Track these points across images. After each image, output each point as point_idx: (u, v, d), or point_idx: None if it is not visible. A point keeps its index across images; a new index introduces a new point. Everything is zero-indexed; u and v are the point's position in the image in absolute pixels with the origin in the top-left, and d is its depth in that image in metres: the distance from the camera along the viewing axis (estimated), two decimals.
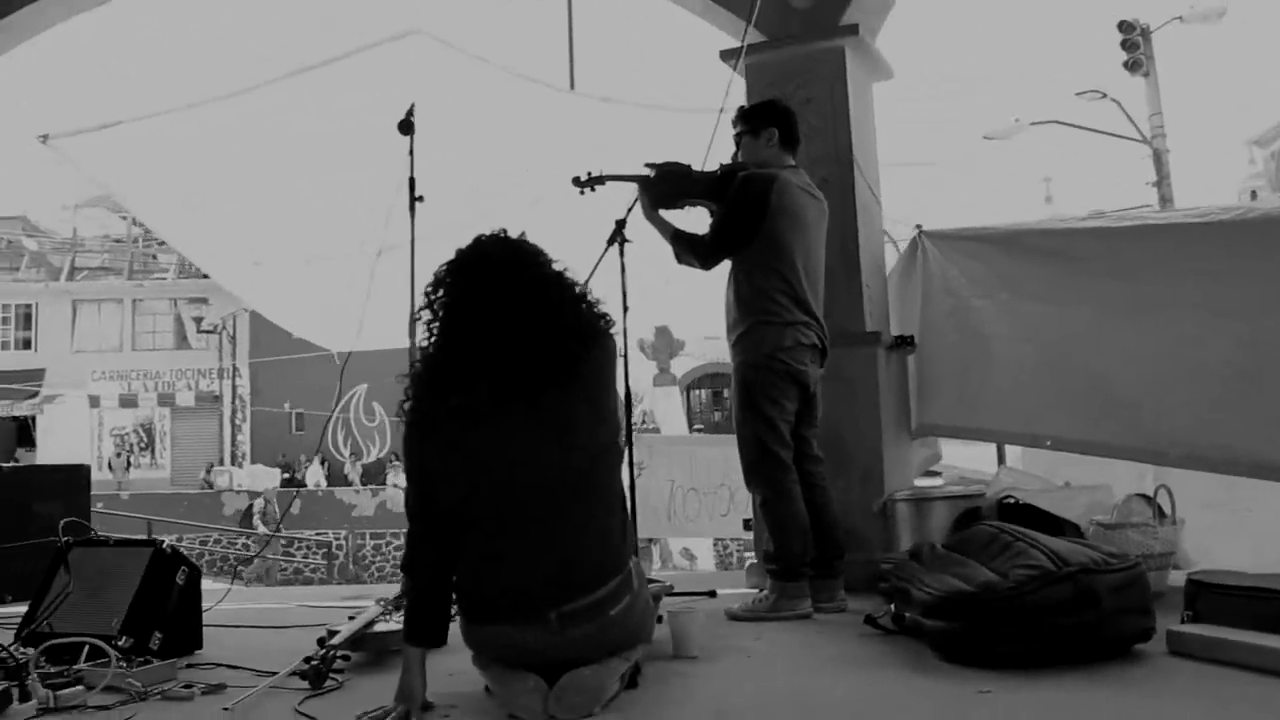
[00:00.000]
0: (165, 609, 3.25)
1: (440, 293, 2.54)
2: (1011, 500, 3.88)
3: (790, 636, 3.40)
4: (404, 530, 2.60)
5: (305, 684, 2.75)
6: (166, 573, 3.28)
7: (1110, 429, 3.92)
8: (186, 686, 2.76)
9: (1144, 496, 3.77)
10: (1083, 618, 2.72)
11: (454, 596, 2.54)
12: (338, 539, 15.98)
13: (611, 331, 2.60)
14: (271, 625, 3.87)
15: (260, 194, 5.99)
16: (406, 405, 2.55)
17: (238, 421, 25.88)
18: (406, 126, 3.83)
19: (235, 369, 25.43)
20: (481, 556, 2.47)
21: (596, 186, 3.91)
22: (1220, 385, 3.65)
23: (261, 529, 17.47)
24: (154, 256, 29.15)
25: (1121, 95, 14.33)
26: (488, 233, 2.58)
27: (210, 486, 22.38)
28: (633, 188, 4.00)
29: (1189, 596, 2.99)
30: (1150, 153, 13.83)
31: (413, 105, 3.85)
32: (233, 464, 24.84)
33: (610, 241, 4.15)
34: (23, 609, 4.43)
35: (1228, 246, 3.76)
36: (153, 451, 25.91)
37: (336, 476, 24.59)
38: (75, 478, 5.21)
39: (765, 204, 3.71)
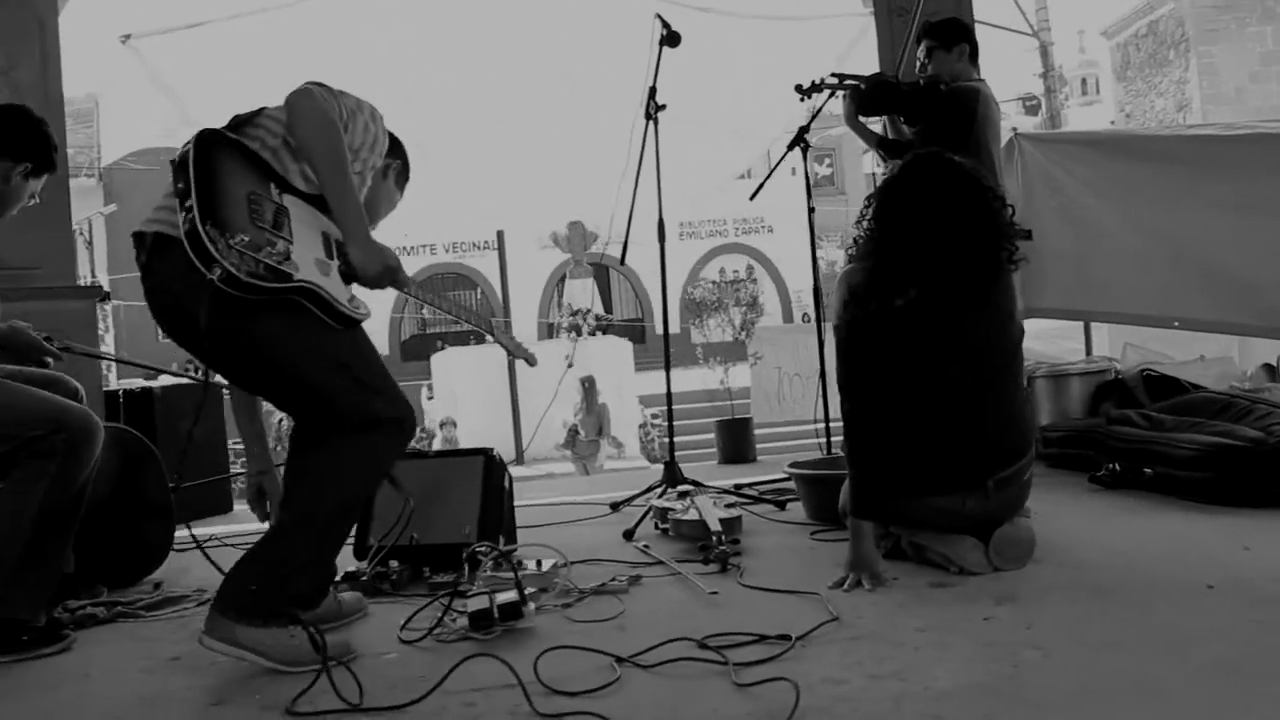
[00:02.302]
0: (502, 513, 3.44)
1: (881, 204, 2.84)
2: (1153, 373, 4.50)
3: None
4: None
5: (710, 568, 3.06)
6: (498, 478, 3.45)
7: (1235, 310, 4.57)
8: (614, 580, 2.99)
9: (1268, 366, 4.46)
10: None
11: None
12: None
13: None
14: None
15: None
16: (844, 309, 2.85)
17: (100, 331, 24.20)
18: (674, 39, 3.95)
19: (94, 277, 23.72)
20: (926, 437, 2.83)
21: (814, 94, 4.17)
22: None
23: None
24: None
25: None
26: (922, 150, 2.89)
27: None
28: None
29: None
30: (1038, 45, 14.88)
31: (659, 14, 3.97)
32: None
33: (791, 146, 4.48)
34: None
35: None
36: None
37: None
38: (208, 393, 5.12)
39: (973, 114, 4.10)
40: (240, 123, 2.44)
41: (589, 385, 12.19)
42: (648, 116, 4.04)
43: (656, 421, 15.22)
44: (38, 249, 4.72)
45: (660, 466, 4.51)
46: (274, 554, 2.38)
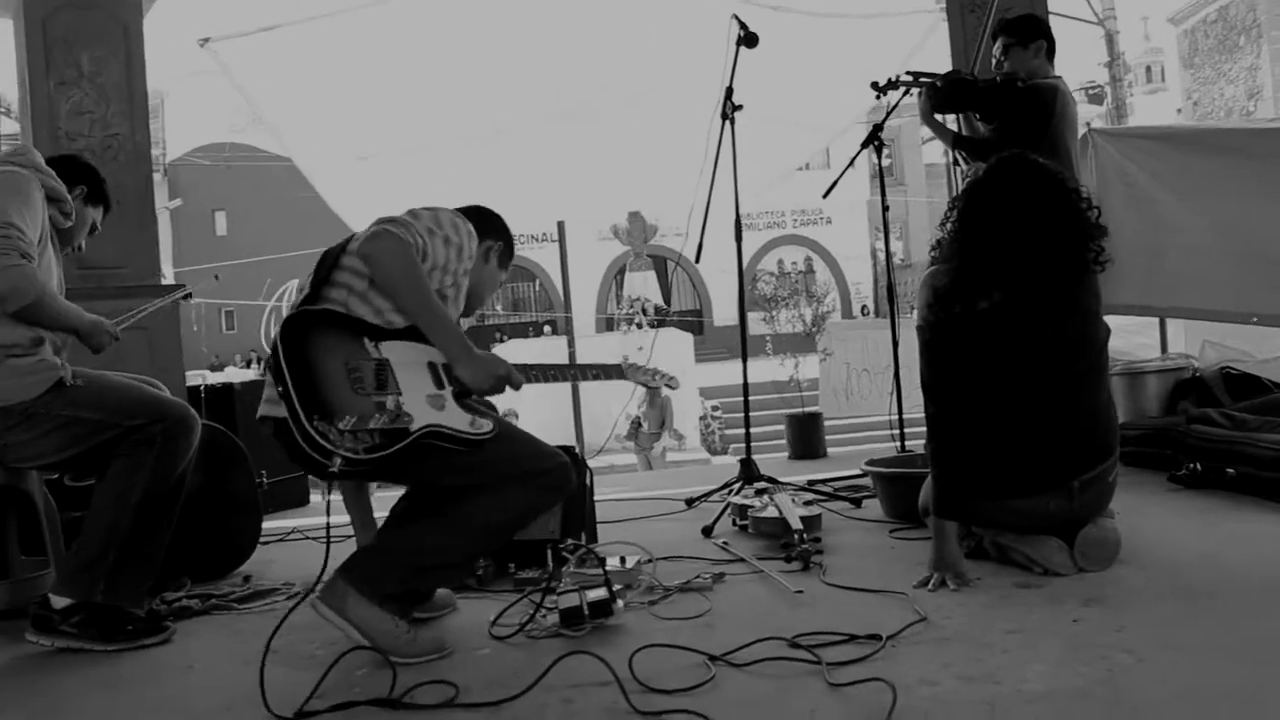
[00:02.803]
0: (584, 511, 3.50)
1: (966, 207, 2.84)
2: (1234, 371, 4.42)
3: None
4: None
5: (792, 566, 3.08)
6: (580, 476, 3.49)
7: None
8: (698, 577, 3.02)
9: None
10: None
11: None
12: None
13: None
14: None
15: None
16: (928, 311, 2.86)
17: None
18: (751, 40, 3.97)
19: (160, 270, 24.40)
20: (1010, 439, 2.83)
21: (890, 91, 4.17)
22: None
23: None
24: None
25: None
26: (1006, 154, 2.88)
27: None
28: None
29: None
30: (1104, 34, 14.62)
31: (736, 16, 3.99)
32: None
33: (865, 144, 4.47)
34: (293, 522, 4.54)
35: None
36: None
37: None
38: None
39: (1051, 111, 4.06)
40: (328, 269, 2.47)
41: None
42: (724, 116, 4.06)
43: (717, 414, 15.23)
44: (123, 248, 4.86)
45: (723, 459, 4.55)
46: (415, 548, 2.48)
